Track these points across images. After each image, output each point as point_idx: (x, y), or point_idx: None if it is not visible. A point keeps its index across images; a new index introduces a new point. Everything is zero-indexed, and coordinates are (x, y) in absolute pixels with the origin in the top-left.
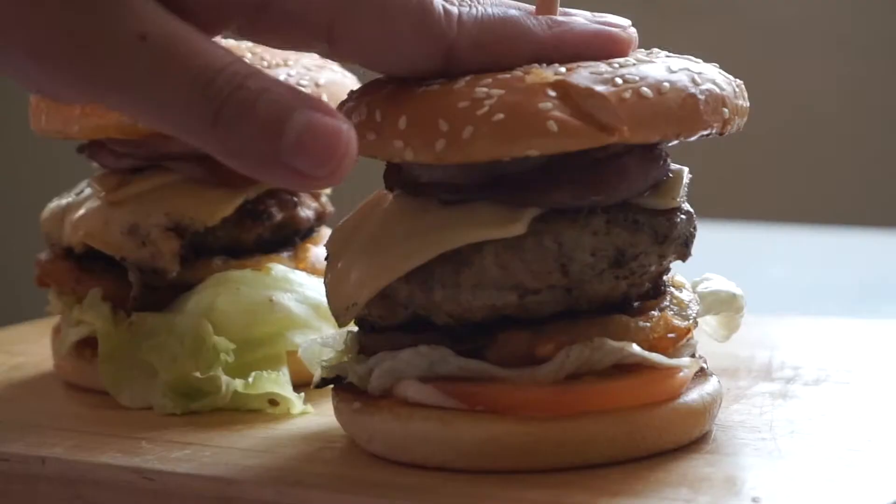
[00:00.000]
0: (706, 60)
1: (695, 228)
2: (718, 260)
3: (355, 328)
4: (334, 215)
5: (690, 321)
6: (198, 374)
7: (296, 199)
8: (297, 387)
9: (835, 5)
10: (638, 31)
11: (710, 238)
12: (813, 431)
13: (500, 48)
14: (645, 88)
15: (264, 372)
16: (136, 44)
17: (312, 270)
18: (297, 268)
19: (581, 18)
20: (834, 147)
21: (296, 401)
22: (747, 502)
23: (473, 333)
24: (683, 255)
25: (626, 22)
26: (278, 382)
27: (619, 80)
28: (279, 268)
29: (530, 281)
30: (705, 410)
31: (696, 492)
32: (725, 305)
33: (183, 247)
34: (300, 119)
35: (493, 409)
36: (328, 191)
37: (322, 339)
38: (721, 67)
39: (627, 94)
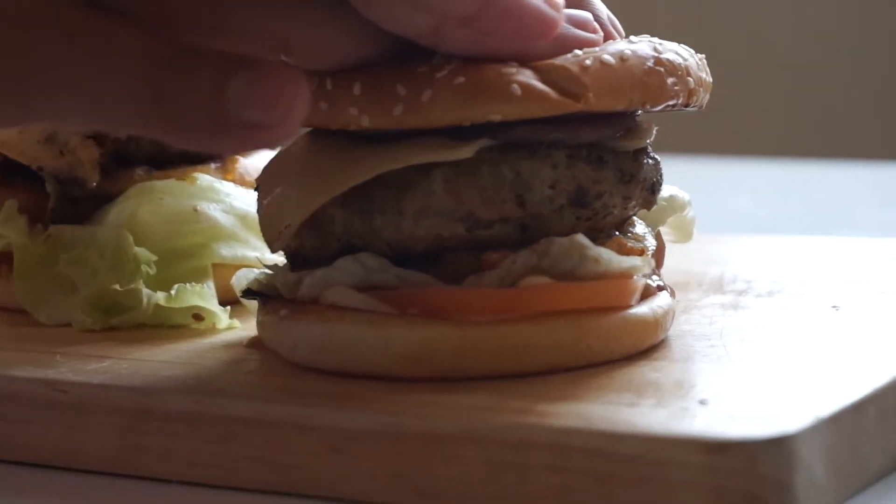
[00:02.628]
0: None
1: (661, 176)
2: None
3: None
4: None
5: (645, 244)
6: (117, 288)
7: None
8: (225, 302)
9: None
10: None
11: (669, 172)
12: (764, 339)
13: None
14: (607, 56)
15: (188, 284)
16: (64, 43)
17: (241, 182)
18: (224, 179)
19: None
20: (793, 82)
21: (221, 315)
22: (694, 405)
23: (415, 260)
24: (649, 202)
25: (604, 11)
26: (203, 295)
27: (578, 52)
28: (205, 177)
29: (482, 210)
30: (657, 322)
31: (641, 396)
32: (669, 210)
33: (103, 156)
34: (241, 75)
35: (428, 312)
36: None
37: (257, 272)
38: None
39: (589, 62)
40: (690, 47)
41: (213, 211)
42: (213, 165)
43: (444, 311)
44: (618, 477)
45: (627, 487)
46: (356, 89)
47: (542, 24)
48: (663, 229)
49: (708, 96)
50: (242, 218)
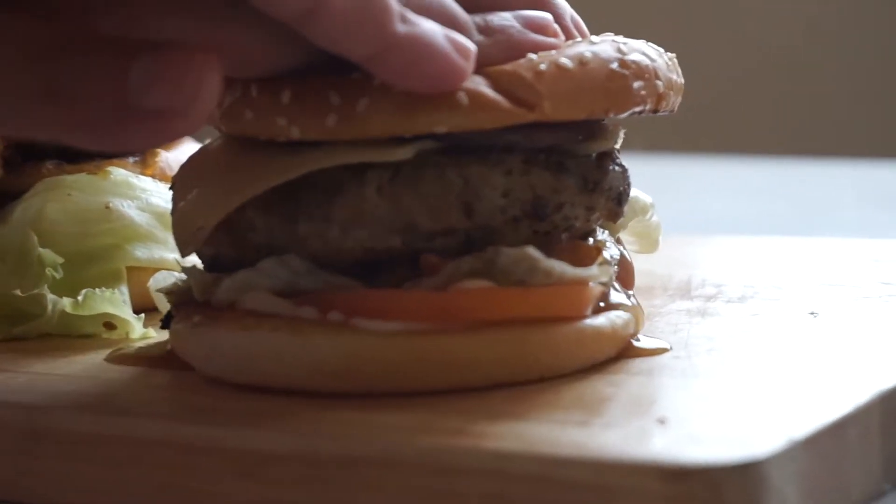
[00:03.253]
0: None
1: (629, 185)
2: (649, 193)
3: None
4: None
5: (602, 244)
6: (19, 293)
7: None
8: (140, 308)
9: None
10: None
11: (635, 171)
12: (734, 350)
13: None
14: (564, 60)
15: (97, 290)
16: None
17: (161, 177)
18: (143, 174)
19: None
20: (770, 79)
21: (135, 323)
22: (652, 424)
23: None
24: (615, 214)
25: (567, 11)
26: (114, 302)
27: (532, 56)
28: (119, 171)
29: (424, 220)
30: (615, 334)
31: (593, 414)
32: (630, 214)
33: (7, 148)
34: (143, 59)
35: (352, 317)
36: None
37: (177, 277)
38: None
39: (544, 66)
40: (664, 44)
41: (126, 208)
42: (131, 159)
43: (369, 315)
44: None
45: None
46: (285, 97)
47: (447, 76)
48: (624, 236)
49: (679, 99)
50: (160, 216)
